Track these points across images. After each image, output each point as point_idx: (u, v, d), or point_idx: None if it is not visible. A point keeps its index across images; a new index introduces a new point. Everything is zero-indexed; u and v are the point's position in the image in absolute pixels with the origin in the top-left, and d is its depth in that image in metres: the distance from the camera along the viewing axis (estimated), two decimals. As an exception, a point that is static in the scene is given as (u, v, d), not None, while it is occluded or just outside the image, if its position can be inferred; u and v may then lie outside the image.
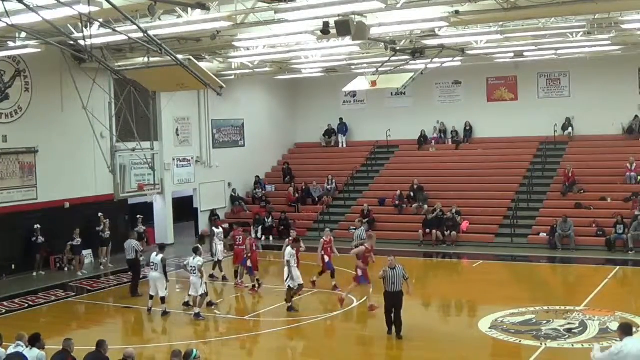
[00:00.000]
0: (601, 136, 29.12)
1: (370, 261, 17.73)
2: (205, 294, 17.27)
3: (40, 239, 22.61)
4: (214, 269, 21.53)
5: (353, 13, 14.24)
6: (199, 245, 18.36)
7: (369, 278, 17.21)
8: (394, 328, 14.86)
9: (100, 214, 24.12)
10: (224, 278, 21.31)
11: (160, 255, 17.77)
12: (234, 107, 31.47)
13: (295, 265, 17.64)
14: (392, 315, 14.86)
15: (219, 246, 21.40)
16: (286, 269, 17.47)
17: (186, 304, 17.86)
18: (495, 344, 14.70)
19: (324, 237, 19.80)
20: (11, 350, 10.88)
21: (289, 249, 17.85)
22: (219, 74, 24.21)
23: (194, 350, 9.92)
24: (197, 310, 17.01)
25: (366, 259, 17.50)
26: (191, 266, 17.08)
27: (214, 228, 22.16)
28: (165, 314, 17.49)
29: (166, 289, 17.66)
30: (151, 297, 17.81)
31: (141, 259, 20.39)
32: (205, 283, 17.39)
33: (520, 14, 15.70)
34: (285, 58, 24.09)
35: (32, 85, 23.30)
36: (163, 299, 17.62)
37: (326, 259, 19.33)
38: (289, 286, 17.46)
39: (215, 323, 17.16)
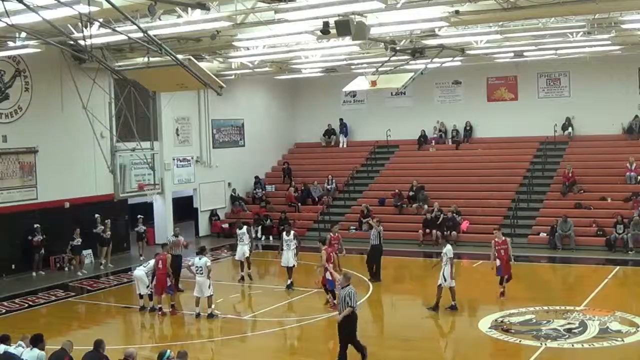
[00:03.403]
0: (601, 136, 29.11)
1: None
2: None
3: (39, 238, 22.55)
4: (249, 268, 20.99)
5: (353, 13, 14.25)
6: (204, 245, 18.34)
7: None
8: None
9: (97, 215, 24.09)
10: (249, 276, 20.89)
11: (154, 261, 18.07)
12: (234, 107, 31.47)
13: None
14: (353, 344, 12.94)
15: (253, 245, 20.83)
16: (448, 267, 16.77)
17: (197, 315, 17.20)
18: (495, 344, 14.70)
19: (495, 239, 18.05)
20: (11, 350, 10.90)
21: (448, 246, 17.21)
22: (219, 74, 24.20)
23: (167, 352, 10.16)
24: (209, 310, 17.02)
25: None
26: (197, 266, 17.05)
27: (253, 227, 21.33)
28: (143, 309, 17.79)
29: (148, 287, 17.71)
30: (141, 297, 17.95)
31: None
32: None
33: (520, 14, 15.70)
34: (285, 58, 24.09)
35: (32, 85, 23.28)
36: (150, 296, 17.80)
37: (497, 262, 17.81)
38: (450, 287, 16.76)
39: (215, 323, 17.13)
